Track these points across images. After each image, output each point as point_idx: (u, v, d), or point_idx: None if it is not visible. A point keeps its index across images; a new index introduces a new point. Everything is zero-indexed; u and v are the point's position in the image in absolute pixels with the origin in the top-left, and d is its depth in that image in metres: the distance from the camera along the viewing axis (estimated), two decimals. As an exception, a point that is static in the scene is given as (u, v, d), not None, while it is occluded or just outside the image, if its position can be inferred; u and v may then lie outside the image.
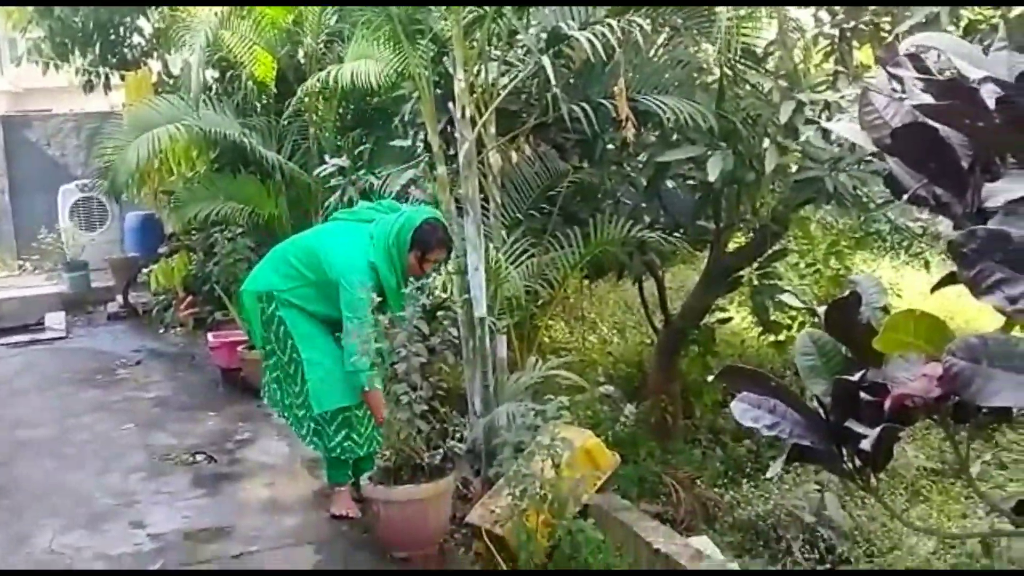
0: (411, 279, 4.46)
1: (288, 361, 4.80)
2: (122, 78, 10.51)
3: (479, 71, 4.88)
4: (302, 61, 7.85)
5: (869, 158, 5.13)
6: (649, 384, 6.51)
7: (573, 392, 5.21)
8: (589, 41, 4.39)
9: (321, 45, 7.76)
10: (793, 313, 6.41)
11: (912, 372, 2.16)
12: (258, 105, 8.20)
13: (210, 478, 5.41)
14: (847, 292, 2.49)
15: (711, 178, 4.80)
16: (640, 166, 5.68)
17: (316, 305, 4.73)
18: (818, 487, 4.88)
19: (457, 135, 4.73)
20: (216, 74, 8.54)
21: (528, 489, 4.11)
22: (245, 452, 5.81)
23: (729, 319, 6.80)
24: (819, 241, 6.72)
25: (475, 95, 4.74)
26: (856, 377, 2.26)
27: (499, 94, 4.86)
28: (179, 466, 5.60)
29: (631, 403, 5.71)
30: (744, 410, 2.34)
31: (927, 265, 7.01)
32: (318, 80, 7.02)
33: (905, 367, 2.19)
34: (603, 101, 4.93)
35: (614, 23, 4.52)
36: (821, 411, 2.37)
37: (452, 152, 5.13)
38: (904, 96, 2.29)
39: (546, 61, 4.55)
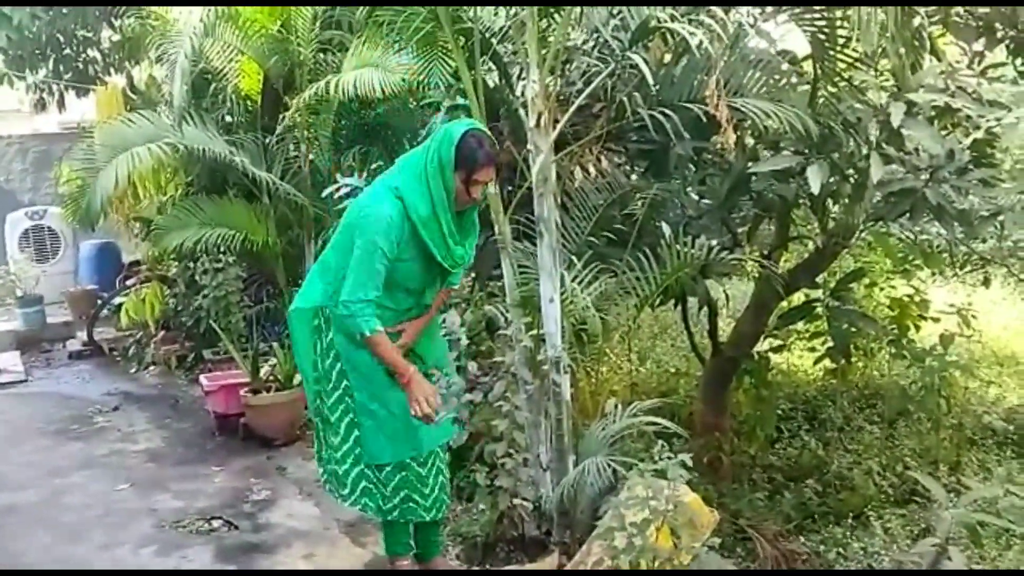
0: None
1: (335, 402, 3.88)
2: (78, 95, 9.76)
3: (551, 73, 4.23)
4: (294, 72, 7.13)
5: (969, 166, 4.65)
6: (697, 420, 5.95)
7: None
8: (691, 33, 3.76)
9: (312, 54, 7.05)
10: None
11: None
12: (244, 120, 7.46)
13: (236, 549, 4.60)
14: None
15: (814, 190, 4.23)
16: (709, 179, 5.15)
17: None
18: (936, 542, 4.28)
19: (530, 147, 4.09)
20: (188, 86, 7.76)
21: (643, 563, 3.48)
22: (268, 515, 4.98)
23: (782, 346, 6.25)
24: (881, 259, 6.18)
25: (550, 100, 4.08)
26: None
27: (572, 98, 4.24)
28: (195, 535, 4.77)
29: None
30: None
31: (986, 282, 6.50)
32: (316, 92, 6.32)
33: None
34: (683, 104, 4.35)
35: (705, 16, 3.91)
36: None
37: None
38: None
39: (637, 58, 3.92)
